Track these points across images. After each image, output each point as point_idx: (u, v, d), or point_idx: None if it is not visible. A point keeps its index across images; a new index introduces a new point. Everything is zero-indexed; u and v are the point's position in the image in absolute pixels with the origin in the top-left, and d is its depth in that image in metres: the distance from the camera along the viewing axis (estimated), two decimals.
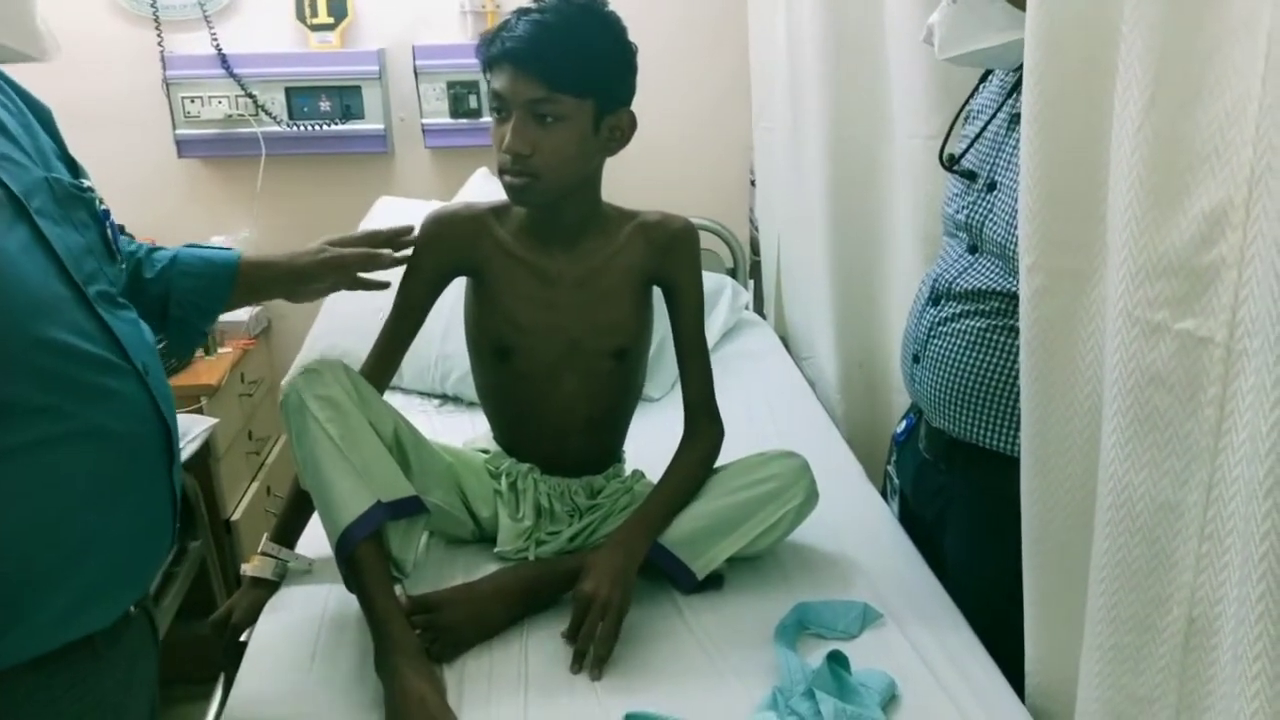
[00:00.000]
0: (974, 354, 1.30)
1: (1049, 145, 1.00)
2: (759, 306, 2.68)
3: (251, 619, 1.39)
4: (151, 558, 1.08)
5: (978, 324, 1.30)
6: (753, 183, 2.65)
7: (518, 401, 1.51)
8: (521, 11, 1.32)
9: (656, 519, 1.39)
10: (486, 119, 1.40)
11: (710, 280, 2.33)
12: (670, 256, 1.47)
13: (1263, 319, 0.75)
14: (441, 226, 1.47)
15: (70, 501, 0.93)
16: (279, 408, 1.35)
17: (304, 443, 1.30)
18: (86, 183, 1.07)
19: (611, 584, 1.29)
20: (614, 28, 1.35)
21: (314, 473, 1.30)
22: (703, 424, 1.50)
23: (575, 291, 1.45)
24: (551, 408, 1.48)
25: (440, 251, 1.47)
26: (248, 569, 1.44)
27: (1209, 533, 0.86)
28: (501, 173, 1.36)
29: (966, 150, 1.37)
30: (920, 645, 1.28)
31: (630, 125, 1.40)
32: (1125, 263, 0.89)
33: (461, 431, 1.81)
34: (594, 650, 1.25)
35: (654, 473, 1.51)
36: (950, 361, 1.33)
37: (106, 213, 1.07)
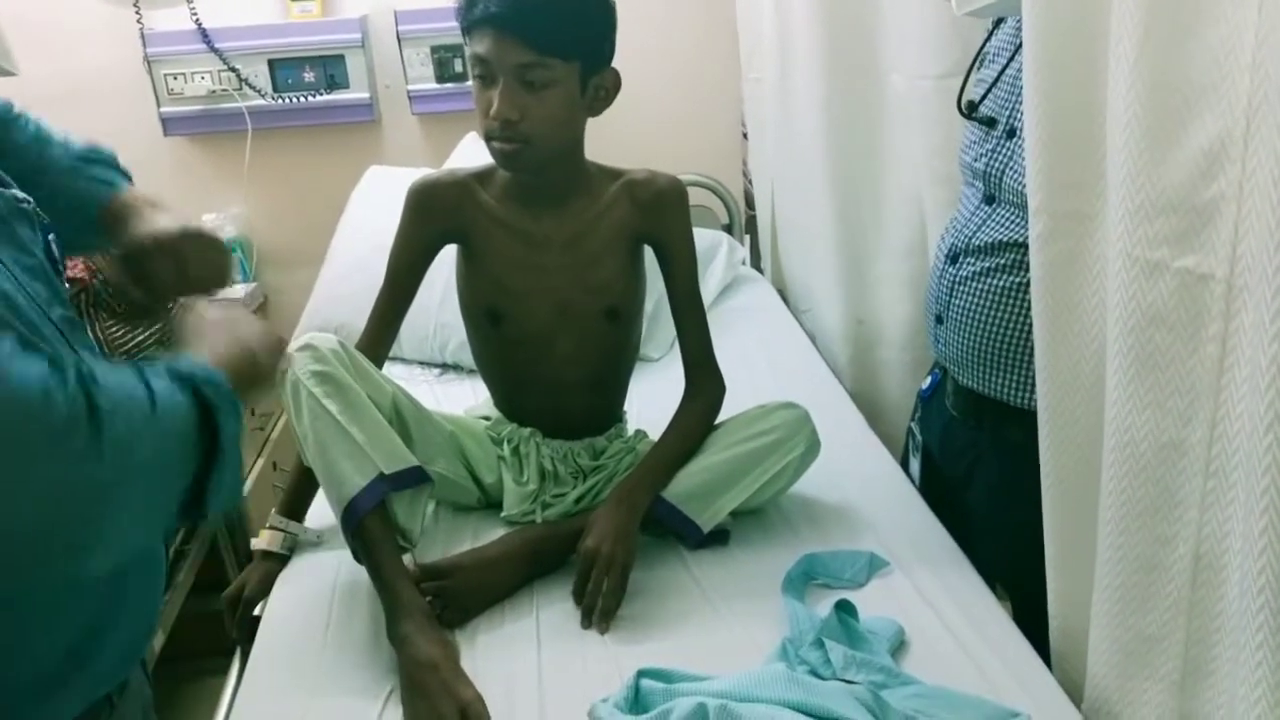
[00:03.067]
0: (997, 312, 1.29)
1: (1049, 84, 0.98)
2: (756, 261, 2.67)
3: (263, 593, 1.39)
4: (161, 590, 1.03)
5: (999, 281, 1.28)
6: (745, 135, 2.63)
7: (513, 366, 1.51)
8: None
9: (658, 474, 1.40)
10: (472, 83, 1.37)
11: (706, 237, 2.33)
12: (657, 215, 1.46)
13: (1261, 252, 0.74)
14: (426, 195, 1.46)
15: None
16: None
17: (303, 419, 1.30)
18: (20, 193, 0.93)
19: (614, 539, 1.30)
20: None
21: (315, 449, 1.30)
22: (703, 380, 1.50)
23: (563, 253, 1.44)
24: (547, 370, 1.48)
25: (427, 220, 1.46)
26: (257, 543, 1.45)
27: (1214, 470, 0.86)
28: (489, 139, 1.34)
29: (985, 95, 1.35)
30: (927, 592, 1.29)
31: (615, 84, 1.38)
32: (1124, 201, 0.89)
33: (463, 399, 1.81)
34: (600, 604, 1.27)
35: (656, 432, 1.51)
36: (974, 321, 1.31)
37: (48, 226, 0.95)
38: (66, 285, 0.97)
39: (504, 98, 1.29)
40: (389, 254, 1.48)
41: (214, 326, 0.95)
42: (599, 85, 1.36)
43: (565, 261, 1.44)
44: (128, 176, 1.16)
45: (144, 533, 0.80)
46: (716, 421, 1.49)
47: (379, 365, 1.44)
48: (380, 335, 1.48)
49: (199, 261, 1.04)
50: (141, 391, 0.75)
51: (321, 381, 1.29)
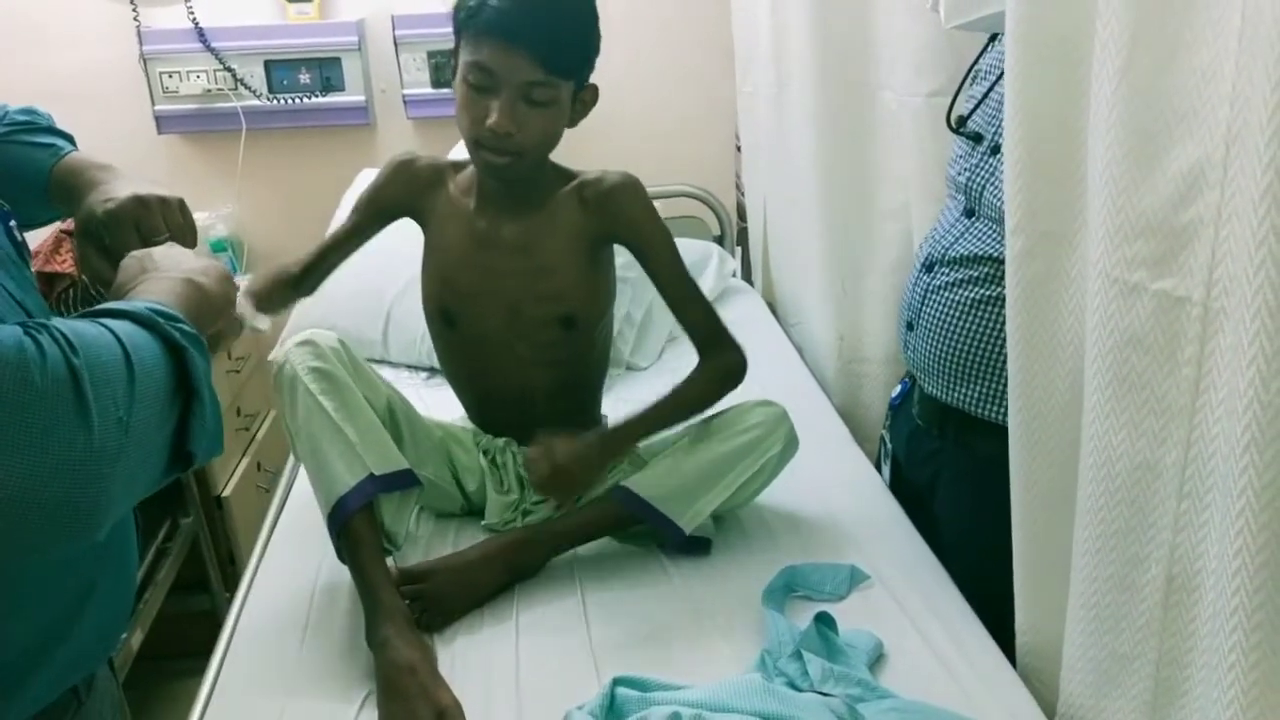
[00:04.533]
0: (966, 323, 1.30)
1: (1030, 104, 0.99)
2: (746, 273, 2.67)
3: None
4: (133, 584, 1.02)
5: (970, 294, 1.30)
6: (739, 148, 2.64)
7: (472, 372, 1.52)
8: None
9: (645, 416, 1.40)
10: (461, 86, 1.37)
11: (697, 248, 2.33)
12: (611, 212, 1.42)
13: (1239, 277, 0.75)
14: (405, 166, 1.49)
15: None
16: (272, 379, 1.34)
17: (297, 414, 1.30)
18: None
19: (572, 459, 1.32)
20: (594, 4, 1.34)
21: (307, 445, 1.30)
22: (717, 351, 1.46)
23: (513, 256, 1.43)
24: (507, 378, 1.48)
25: (396, 186, 1.48)
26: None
27: (1187, 491, 0.87)
28: (477, 145, 1.33)
29: (973, 111, 1.36)
30: (907, 606, 1.30)
31: (593, 98, 1.39)
32: (1104, 223, 0.90)
33: (449, 404, 1.81)
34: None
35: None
36: (943, 330, 1.33)
37: (8, 214, 0.91)
38: (33, 274, 0.94)
39: (505, 111, 1.28)
40: (357, 198, 1.52)
41: (155, 265, 0.91)
42: (583, 99, 1.38)
43: (516, 266, 1.43)
44: (70, 140, 1.13)
45: (140, 489, 0.76)
46: (696, 420, 1.47)
47: (315, 285, 1.48)
48: (322, 255, 1.50)
49: (161, 228, 1.00)
50: (114, 344, 0.73)
51: (319, 378, 1.30)
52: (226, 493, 2.30)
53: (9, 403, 0.64)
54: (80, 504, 0.69)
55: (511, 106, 1.29)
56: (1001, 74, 1.30)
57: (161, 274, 0.90)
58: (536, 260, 1.43)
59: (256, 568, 1.46)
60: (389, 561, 1.32)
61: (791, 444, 1.45)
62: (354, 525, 1.27)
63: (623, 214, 1.42)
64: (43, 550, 0.74)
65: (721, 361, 1.45)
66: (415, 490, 1.36)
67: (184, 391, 0.79)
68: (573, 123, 1.39)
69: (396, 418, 1.40)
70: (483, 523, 1.48)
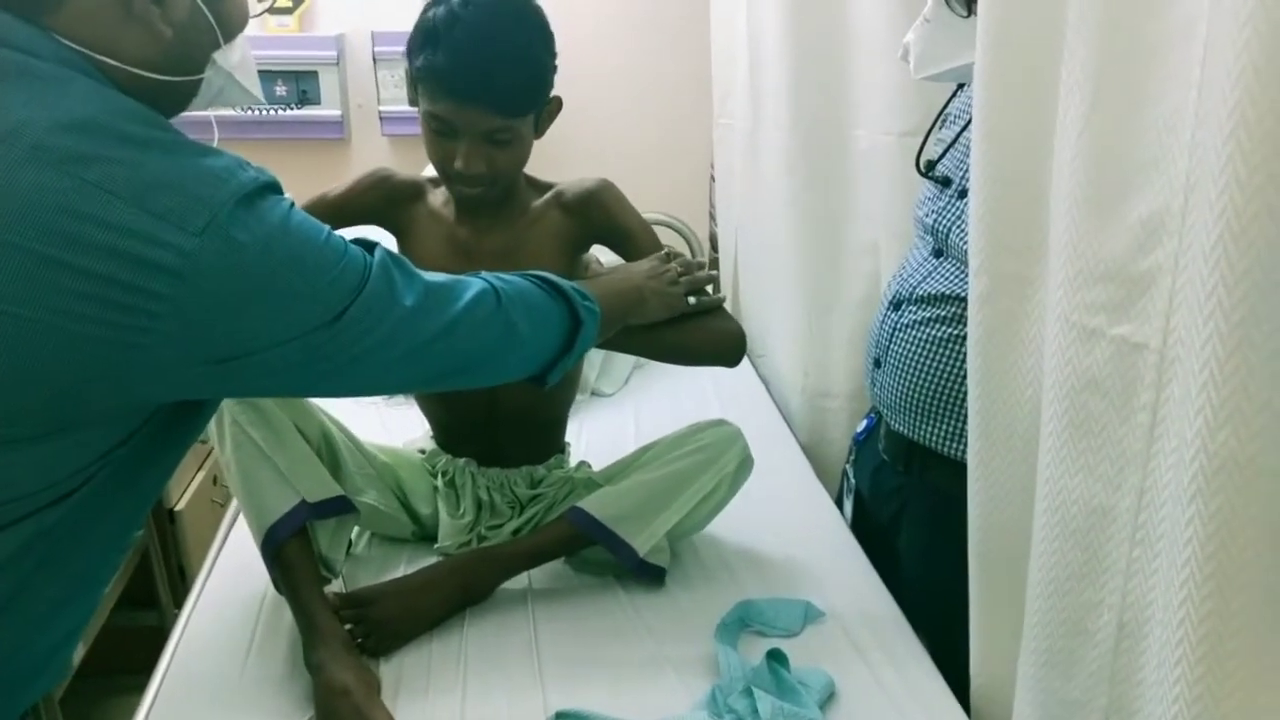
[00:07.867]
0: (933, 360, 1.31)
1: (996, 150, 1.00)
2: None
3: None
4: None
5: (937, 332, 1.31)
6: (713, 178, 2.65)
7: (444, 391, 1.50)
8: (452, 17, 1.25)
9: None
10: (424, 129, 1.37)
11: None
12: (589, 213, 1.43)
13: (1191, 326, 0.75)
14: (384, 180, 1.46)
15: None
16: None
17: (226, 447, 1.30)
18: None
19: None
20: (546, 31, 1.33)
21: (238, 477, 1.29)
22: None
23: (497, 266, 1.39)
24: (478, 396, 1.46)
25: (373, 195, 1.44)
26: None
27: (1139, 538, 0.87)
28: (448, 179, 1.35)
29: (942, 155, 1.37)
30: (860, 645, 1.29)
31: (557, 107, 1.39)
32: (1064, 268, 0.90)
33: (408, 425, 1.79)
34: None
35: (601, 464, 1.50)
36: (909, 368, 1.33)
37: None
38: None
39: (471, 156, 1.30)
40: (331, 190, 1.46)
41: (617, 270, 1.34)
42: (547, 114, 1.38)
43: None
44: None
45: (526, 369, 1.11)
46: (646, 444, 1.46)
47: None
48: None
49: None
50: (531, 290, 1.11)
51: (246, 409, 1.29)
52: (180, 506, 2.25)
53: (480, 314, 1.05)
54: (494, 362, 1.07)
55: (476, 150, 1.30)
56: (970, 119, 1.31)
57: (615, 276, 1.33)
58: (521, 269, 1.42)
59: (204, 584, 1.43)
60: (333, 585, 1.30)
61: (746, 463, 1.44)
62: (287, 552, 1.26)
63: (603, 211, 1.43)
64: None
65: (718, 324, 1.41)
66: (351, 516, 1.35)
67: (569, 341, 1.12)
68: (539, 134, 1.39)
69: (333, 445, 1.39)
70: (435, 546, 1.46)
